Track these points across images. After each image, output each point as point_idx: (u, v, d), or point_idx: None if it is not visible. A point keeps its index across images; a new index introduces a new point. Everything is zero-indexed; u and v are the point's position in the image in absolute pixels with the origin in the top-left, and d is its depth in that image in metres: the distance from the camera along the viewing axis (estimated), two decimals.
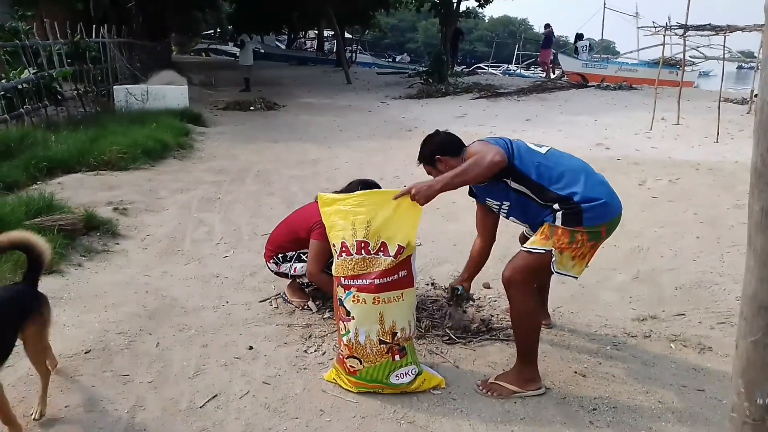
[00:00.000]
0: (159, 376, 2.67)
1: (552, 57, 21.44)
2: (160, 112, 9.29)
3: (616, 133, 9.43)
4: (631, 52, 22.50)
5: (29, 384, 2.56)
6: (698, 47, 12.53)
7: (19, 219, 4.05)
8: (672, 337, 3.16)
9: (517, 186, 2.56)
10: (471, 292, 3.21)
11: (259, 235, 4.62)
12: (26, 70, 7.91)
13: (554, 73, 20.70)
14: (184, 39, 38.11)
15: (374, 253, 2.50)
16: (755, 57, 14.02)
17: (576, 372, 2.79)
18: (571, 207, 2.44)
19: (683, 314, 3.43)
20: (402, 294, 2.54)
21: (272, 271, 3.50)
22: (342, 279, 2.56)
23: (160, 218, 5.00)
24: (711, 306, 3.54)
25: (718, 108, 9.03)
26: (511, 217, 2.74)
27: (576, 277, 2.57)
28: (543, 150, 2.64)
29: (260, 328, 3.14)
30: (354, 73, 21.82)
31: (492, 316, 3.32)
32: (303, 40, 42.77)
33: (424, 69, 18.92)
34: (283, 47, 37.71)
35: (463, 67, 27.37)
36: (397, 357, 2.54)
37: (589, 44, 22.08)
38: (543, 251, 2.46)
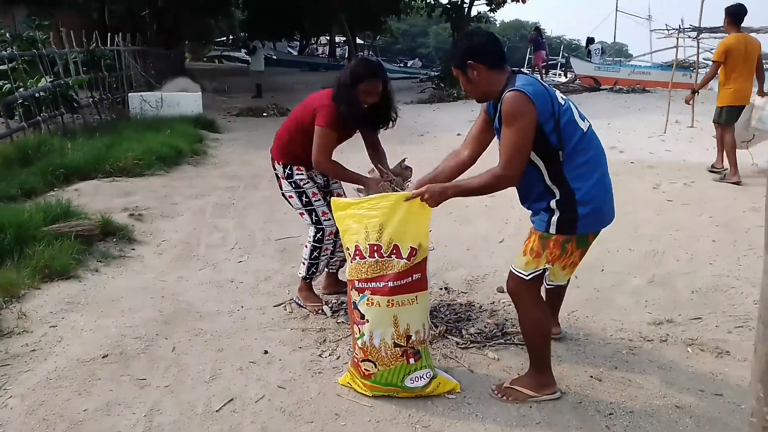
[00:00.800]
0: (175, 380, 2.69)
1: (565, 60, 21.48)
2: (174, 119, 9.39)
3: (629, 136, 9.37)
4: (644, 54, 22.37)
5: (49, 388, 2.59)
6: (712, 49, 12.42)
7: (38, 225, 4.11)
8: (689, 341, 3.13)
9: (535, 156, 2.36)
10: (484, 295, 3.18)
11: (272, 240, 4.66)
12: (43, 79, 8.04)
13: (566, 77, 20.65)
14: (197, 46, 38.44)
15: (387, 256, 2.51)
16: None
17: (592, 376, 2.77)
18: (569, 207, 2.36)
19: (700, 318, 3.40)
20: (416, 297, 2.55)
21: (276, 172, 3.38)
22: (356, 282, 2.57)
23: (175, 224, 5.05)
24: (728, 310, 3.50)
25: None
26: None
27: (562, 284, 2.62)
28: (585, 126, 2.45)
29: (275, 333, 3.16)
30: None
31: (506, 320, 3.31)
32: (315, 46, 43.01)
33: (436, 74, 18.94)
34: (295, 53, 37.97)
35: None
36: (411, 360, 2.55)
37: (602, 47, 21.99)
38: (539, 272, 2.45)
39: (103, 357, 2.86)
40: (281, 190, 3.40)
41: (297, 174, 3.32)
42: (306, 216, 3.36)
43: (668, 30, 11.35)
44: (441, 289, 3.76)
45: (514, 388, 2.57)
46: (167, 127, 8.54)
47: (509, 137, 2.31)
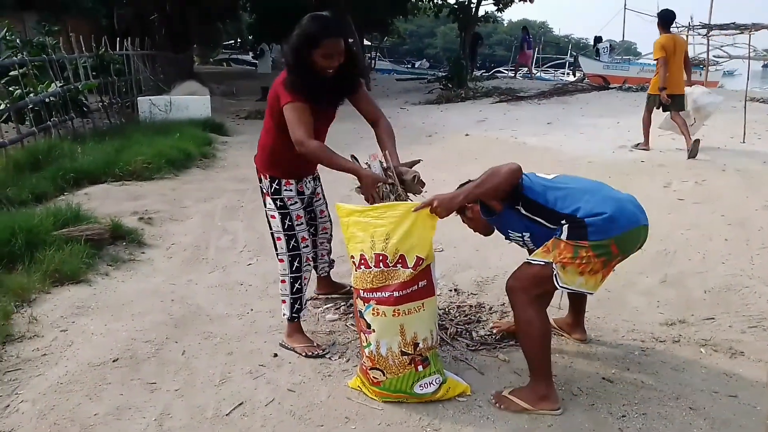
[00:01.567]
0: (185, 384, 2.70)
1: (573, 59, 21.53)
2: (183, 123, 9.42)
3: (639, 135, 9.28)
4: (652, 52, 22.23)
5: (59, 393, 2.60)
6: (722, 46, 12.32)
7: (48, 230, 4.13)
8: (702, 341, 3.09)
9: (527, 213, 2.51)
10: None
11: None
12: (53, 84, 8.09)
13: (575, 76, 20.60)
14: (206, 50, 38.61)
15: (393, 266, 2.48)
16: None
17: (604, 378, 2.74)
18: (577, 222, 2.39)
19: (713, 318, 3.37)
20: (422, 304, 2.52)
21: (261, 184, 3.00)
22: (361, 292, 2.55)
23: (184, 227, 5.06)
24: (741, 310, 3.46)
25: (744, 108, 8.86)
26: (527, 247, 2.69)
27: (591, 293, 2.52)
28: (550, 176, 2.63)
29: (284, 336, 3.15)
30: (373, 79, 21.88)
31: None
32: None
33: (444, 74, 18.91)
34: None
35: (482, 71, 27.30)
36: (420, 368, 2.52)
37: (610, 45, 21.90)
38: (543, 263, 2.43)
39: (114, 361, 2.86)
40: (264, 206, 3.02)
41: (286, 190, 2.92)
42: (282, 242, 2.96)
43: (677, 27, 11.23)
44: (451, 290, 3.74)
45: (510, 398, 2.52)
46: (176, 130, 8.57)
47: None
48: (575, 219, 2.39)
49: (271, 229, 3.03)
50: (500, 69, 30.07)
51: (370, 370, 2.56)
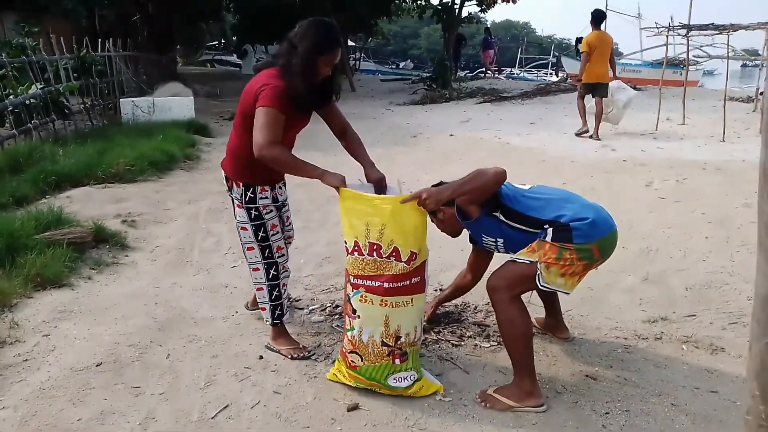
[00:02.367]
0: (170, 388, 2.68)
1: (555, 59, 21.82)
2: (166, 124, 9.33)
3: (621, 134, 9.39)
4: (634, 53, 22.40)
5: (42, 399, 2.57)
6: (702, 46, 12.48)
7: (29, 233, 4.08)
8: (683, 338, 3.14)
9: (507, 220, 2.57)
10: (466, 302, 3.32)
11: None
12: (33, 86, 7.98)
13: (557, 76, 20.78)
14: (189, 50, 38.33)
15: (386, 257, 2.50)
16: (759, 55, 13.96)
17: (587, 375, 2.77)
18: (562, 226, 2.45)
19: (694, 315, 3.41)
20: (411, 299, 2.55)
21: (231, 192, 2.87)
22: (352, 277, 2.59)
23: (168, 229, 5.03)
24: (722, 306, 3.52)
25: (724, 107, 8.99)
26: (509, 252, 2.70)
27: (567, 293, 2.56)
28: (526, 186, 2.71)
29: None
30: (358, 80, 21.87)
31: None
32: None
33: (428, 75, 18.95)
34: None
35: (466, 72, 27.39)
36: (397, 361, 2.56)
37: None
38: (527, 262, 2.46)
39: (97, 365, 2.84)
40: (235, 217, 2.90)
41: (261, 198, 2.81)
42: (256, 252, 2.88)
43: (658, 28, 11.37)
44: (436, 290, 3.75)
45: (495, 396, 2.54)
46: (159, 132, 8.49)
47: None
48: (560, 224, 2.45)
49: (241, 240, 2.94)
50: (483, 69, 30.21)
51: (349, 353, 2.60)
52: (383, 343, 2.55)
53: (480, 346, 3.04)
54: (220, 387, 2.69)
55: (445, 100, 15.09)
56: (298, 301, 3.64)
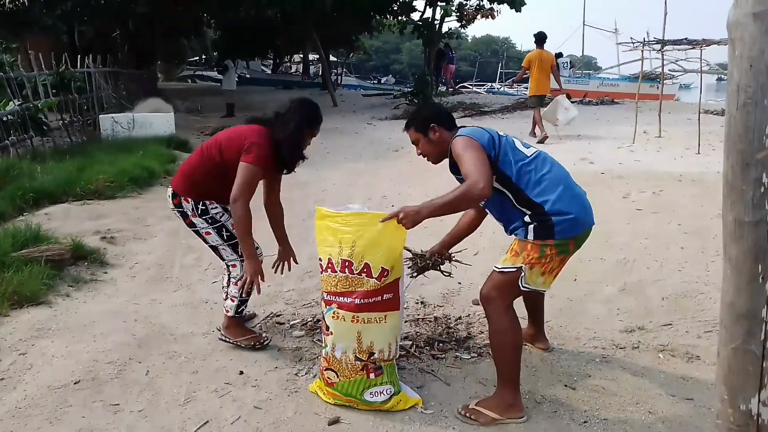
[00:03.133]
0: (149, 405, 2.66)
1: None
2: (147, 140, 9.29)
3: (599, 147, 9.53)
4: (611, 67, 22.90)
5: (18, 418, 2.54)
6: (677, 61, 12.78)
7: (6, 251, 4.04)
8: (660, 347, 3.19)
9: (496, 184, 2.54)
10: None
11: None
12: (11, 102, 7.92)
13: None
14: (170, 66, 38.24)
15: (358, 274, 2.52)
16: None
17: (566, 385, 2.81)
18: (543, 218, 2.47)
19: (670, 324, 3.47)
20: (385, 316, 2.57)
21: (179, 207, 3.06)
22: (325, 294, 2.62)
23: (148, 246, 5.00)
24: (697, 315, 3.58)
25: (699, 120, 9.17)
26: (487, 209, 2.77)
27: (545, 290, 2.63)
28: (529, 152, 2.63)
29: (250, 353, 3.13)
30: (340, 95, 21.97)
31: (482, 332, 3.34)
32: (288, 64, 43.07)
33: (409, 90, 19.09)
34: (269, 72, 37.97)
35: (447, 86, 27.65)
36: (372, 375, 2.58)
37: (570, 61, 22.47)
38: (514, 269, 2.50)
39: (75, 383, 2.81)
40: (193, 227, 3.08)
41: (212, 209, 3.05)
42: (228, 250, 3.08)
43: (634, 43, 11.61)
44: (417, 303, 3.77)
45: (478, 410, 2.55)
46: (139, 148, 8.45)
47: (466, 160, 2.47)
48: (542, 212, 2.47)
49: (209, 244, 3.12)
50: (465, 84, 30.51)
51: (325, 370, 2.63)
52: (356, 358, 2.57)
53: (460, 358, 3.06)
54: (200, 403, 2.67)
55: None
56: (278, 315, 3.63)
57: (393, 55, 59.54)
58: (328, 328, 2.62)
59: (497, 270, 2.57)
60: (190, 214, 3.06)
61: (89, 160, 7.51)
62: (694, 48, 10.29)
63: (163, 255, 4.76)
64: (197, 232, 3.12)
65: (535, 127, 10.26)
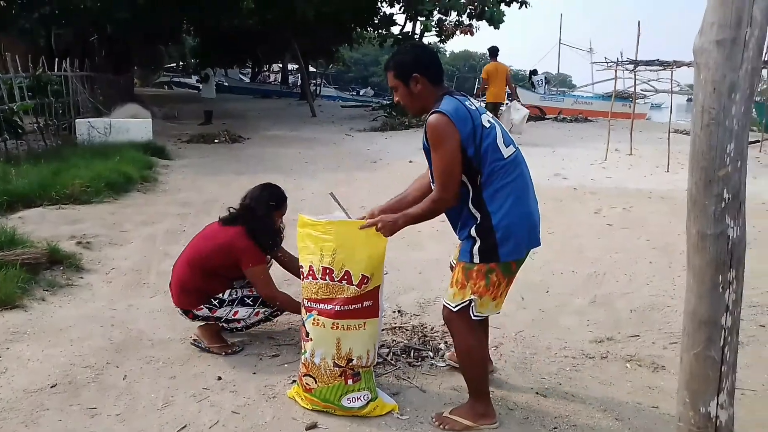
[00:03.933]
0: (127, 409, 2.67)
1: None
2: (123, 146, 9.24)
3: (572, 163, 9.76)
4: (585, 85, 23.39)
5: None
6: (649, 81, 13.15)
7: None
8: (627, 357, 3.29)
9: (463, 178, 2.41)
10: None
11: None
12: None
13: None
14: (147, 72, 37.95)
15: (338, 281, 2.58)
16: None
17: (537, 393, 2.89)
18: (488, 235, 2.39)
19: (638, 335, 3.59)
20: (364, 323, 2.63)
21: (197, 317, 3.21)
22: (305, 301, 2.68)
23: (124, 251, 4.98)
24: (663, 327, 3.70)
25: (668, 139, 9.45)
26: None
27: (498, 313, 2.60)
28: (507, 152, 2.45)
29: (229, 359, 3.16)
30: (318, 106, 22.04)
31: None
32: (267, 73, 43.04)
33: (388, 102, 19.25)
34: (247, 80, 37.90)
35: None
36: (350, 381, 2.63)
37: (545, 78, 22.89)
38: (465, 302, 2.45)
39: (51, 387, 2.80)
40: (218, 322, 3.23)
41: (226, 296, 3.22)
42: (261, 311, 3.29)
43: (608, 63, 11.93)
44: (394, 312, 3.83)
45: (452, 418, 2.59)
46: (116, 153, 8.39)
47: (438, 162, 2.37)
48: (488, 228, 2.38)
49: (247, 320, 3.30)
50: None
51: (304, 376, 2.68)
52: (335, 364, 2.63)
53: (436, 366, 3.13)
54: (178, 408, 2.69)
55: (405, 128, 15.34)
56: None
57: (372, 68, 59.83)
58: (308, 334, 2.67)
59: (451, 308, 2.50)
60: (209, 316, 3.22)
61: (65, 165, 7.45)
62: (665, 69, 10.64)
63: (140, 261, 4.75)
64: (225, 324, 3.27)
65: None
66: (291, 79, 36.92)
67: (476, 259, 2.42)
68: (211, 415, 2.64)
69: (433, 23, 20.07)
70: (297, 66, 27.00)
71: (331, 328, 2.60)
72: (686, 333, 1.75)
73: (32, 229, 5.12)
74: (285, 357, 3.20)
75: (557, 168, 9.17)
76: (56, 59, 11.17)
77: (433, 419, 2.63)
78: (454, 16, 20.38)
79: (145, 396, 2.78)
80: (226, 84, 32.31)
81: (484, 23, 19.49)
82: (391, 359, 3.16)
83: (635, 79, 11.74)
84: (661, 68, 10.88)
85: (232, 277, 3.23)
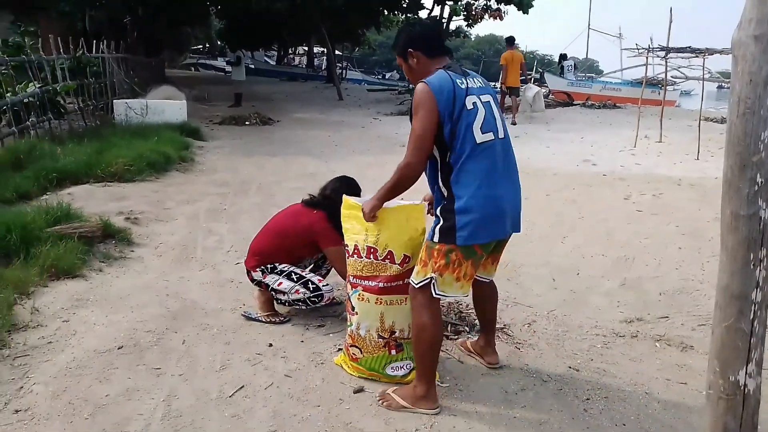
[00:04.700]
0: (188, 370, 2.89)
1: (539, 75, 22.30)
2: (159, 126, 9.51)
3: (601, 149, 9.79)
4: (614, 71, 23.10)
5: (70, 377, 2.77)
6: (679, 68, 13.02)
7: (41, 227, 4.26)
8: (657, 337, 3.43)
9: (435, 152, 2.47)
10: None
11: None
12: (32, 84, 8.12)
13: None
14: (174, 54, 38.34)
15: (382, 260, 2.76)
16: None
17: (570, 367, 3.05)
18: (449, 216, 2.43)
19: (667, 317, 3.71)
20: (405, 299, 2.79)
21: (254, 279, 3.49)
22: (351, 278, 2.86)
23: (170, 227, 5.22)
24: (692, 310, 3.82)
25: (699, 127, 9.43)
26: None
27: (465, 296, 2.66)
28: (483, 138, 2.44)
29: (278, 328, 3.37)
30: (345, 89, 22.17)
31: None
32: (292, 56, 43.15)
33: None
34: (273, 63, 38.08)
35: None
36: (393, 351, 2.82)
37: (574, 63, 22.67)
38: (426, 280, 2.50)
39: (119, 348, 3.04)
40: (267, 288, 3.44)
41: (280, 265, 3.45)
42: (302, 290, 3.38)
43: (638, 49, 11.86)
44: None
45: (392, 395, 2.66)
46: (153, 134, 8.67)
47: (413, 127, 2.44)
48: (450, 208, 2.43)
49: (287, 292, 3.42)
50: None
51: (350, 347, 2.87)
52: (379, 336, 2.82)
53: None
54: (235, 370, 2.91)
55: None
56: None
57: None
58: (353, 308, 2.85)
59: (414, 285, 2.55)
60: (262, 279, 3.45)
61: (106, 144, 7.73)
62: (697, 56, 10.54)
63: (186, 237, 4.99)
64: (273, 291, 3.45)
65: (515, 112, 13.28)
66: (316, 61, 36.98)
67: (436, 239, 2.48)
68: (266, 377, 2.85)
69: (461, 7, 20.00)
70: (323, 49, 27.07)
71: (375, 303, 2.78)
72: (718, 307, 1.88)
73: (82, 205, 5.38)
74: (330, 327, 3.40)
75: (586, 154, 9.22)
76: (94, 41, 11.45)
77: (377, 396, 2.69)
78: (482, 0, 20.30)
79: (204, 359, 3.00)
80: (253, 66, 32.56)
81: (512, 7, 19.36)
82: None
83: (666, 66, 11.65)
84: (693, 55, 10.78)
85: (299, 255, 3.51)
